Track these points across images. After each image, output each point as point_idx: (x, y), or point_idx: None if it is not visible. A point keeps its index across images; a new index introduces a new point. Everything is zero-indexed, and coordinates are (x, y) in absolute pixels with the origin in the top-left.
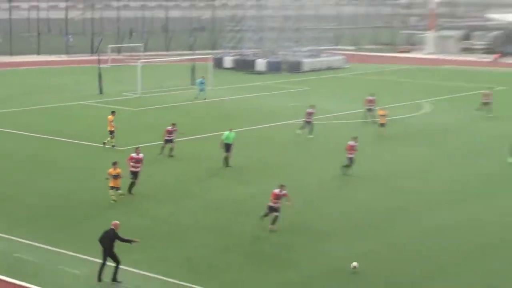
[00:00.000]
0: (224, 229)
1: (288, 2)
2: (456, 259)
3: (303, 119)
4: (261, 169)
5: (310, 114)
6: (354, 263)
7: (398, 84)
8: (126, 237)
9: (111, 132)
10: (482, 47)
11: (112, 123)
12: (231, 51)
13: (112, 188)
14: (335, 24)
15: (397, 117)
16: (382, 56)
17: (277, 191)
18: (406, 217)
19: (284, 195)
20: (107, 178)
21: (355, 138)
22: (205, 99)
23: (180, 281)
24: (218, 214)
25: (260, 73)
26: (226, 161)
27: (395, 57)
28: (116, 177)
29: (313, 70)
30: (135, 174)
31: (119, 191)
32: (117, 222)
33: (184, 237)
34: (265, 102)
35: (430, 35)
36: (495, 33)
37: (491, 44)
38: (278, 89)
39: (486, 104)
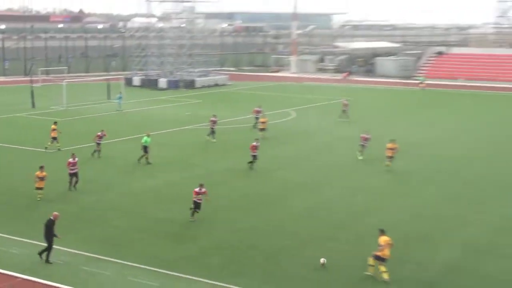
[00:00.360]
0: (139, 213)
1: (182, 33)
2: (317, 231)
3: (209, 127)
4: (171, 164)
5: (214, 122)
6: (322, 260)
7: (270, 97)
8: (55, 232)
9: (54, 138)
10: (333, 67)
11: (55, 131)
12: (139, 72)
13: (38, 188)
14: (219, 51)
15: (272, 122)
16: (258, 75)
17: (197, 189)
18: (279, 200)
19: (203, 192)
20: (35, 181)
21: (257, 140)
22: (122, 110)
23: (100, 255)
24: (135, 201)
25: (162, 89)
26: (146, 159)
27: (268, 76)
28: (42, 179)
29: (203, 87)
30: (74, 175)
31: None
32: (57, 213)
33: (105, 220)
34: (167, 112)
35: (293, 59)
36: (341, 57)
37: (339, 65)
38: (177, 102)
39: (344, 111)
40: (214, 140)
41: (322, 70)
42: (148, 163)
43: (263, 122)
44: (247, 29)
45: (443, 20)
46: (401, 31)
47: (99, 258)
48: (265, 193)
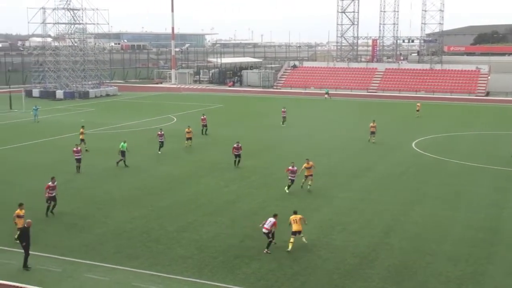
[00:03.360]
0: (41, 209)
1: (75, 51)
2: (198, 216)
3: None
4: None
5: (160, 135)
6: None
7: (154, 105)
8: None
9: (82, 140)
10: (207, 79)
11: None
12: (38, 85)
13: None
14: (109, 66)
15: (156, 126)
16: (143, 86)
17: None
18: (165, 191)
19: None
20: (15, 222)
21: (237, 142)
22: (37, 121)
23: (6, 247)
24: (38, 198)
25: (59, 99)
26: (124, 162)
27: (152, 86)
28: (21, 217)
29: (96, 97)
30: (52, 199)
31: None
32: (30, 220)
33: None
34: (66, 119)
35: (173, 72)
36: (213, 70)
37: (212, 77)
38: (74, 110)
39: (284, 118)
40: (159, 152)
41: (197, 81)
42: (126, 166)
43: (188, 132)
44: (132, 47)
45: (296, 39)
46: (262, 48)
47: (4, 250)
48: (153, 186)
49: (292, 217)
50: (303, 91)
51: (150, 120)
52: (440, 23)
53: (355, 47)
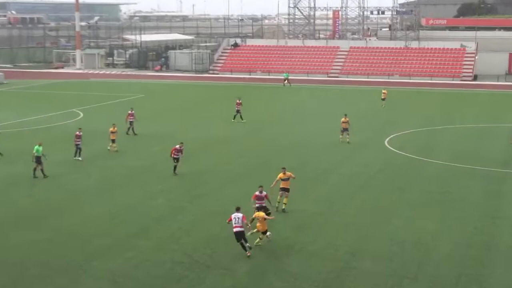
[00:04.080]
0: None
1: None
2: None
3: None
4: None
5: (78, 136)
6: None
7: (53, 96)
8: None
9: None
10: (123, 62)
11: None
12: None
13: None
14: None
15: (57, 124)
16: (38, 72)
17: None
18: (73, 206)
19: None
20: None
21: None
22: None
23: None
24: None
25: None
26: (42, 171)
27: (50, 72)
28: None
29: None
30: None
31: None
32: None
33: None
34: None
35: (78, 53)
36: (131, 50)
37: (129, 60)
38: None
39: (237, 111)
40: (80, 159)
41: (110, 65)
42: (45, 176)
43: (112, 132)
44: (23, 20)
45: (237, 11)
46: (194, 22)
47: None
48: (61, 199)
49: (261, 214)
50: (247, 76)
51: (48, 116)
52: None
53: (312, 21)
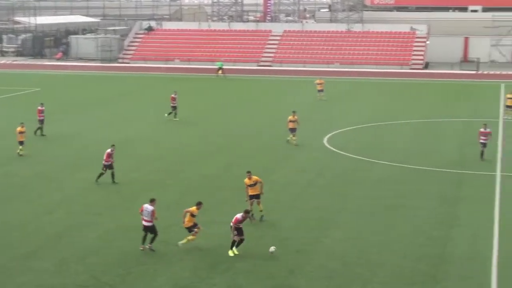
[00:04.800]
0: None
1: None
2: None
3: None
4: None
5: (22, 132)
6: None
7: None
8: None
9: None
10: (14, 50)
11: None
12: None
13: None
14: None
15: None
16: None
17: None
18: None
19: None
20: None
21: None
22: None
23: None
24: None
25: None
26: None
27: None
28: None
29: None
30: None
31: None
32: None
33: None
34: None
35: None
36: (24, 36)
37: (22, 46)
38: None
39: (173, 107)
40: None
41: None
42: None
43: (20, 133)
44: None
45: None
46: (100, 2)
47: None
48: None
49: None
50: (163, 65)
51: None
52: None
53: (239, 1)
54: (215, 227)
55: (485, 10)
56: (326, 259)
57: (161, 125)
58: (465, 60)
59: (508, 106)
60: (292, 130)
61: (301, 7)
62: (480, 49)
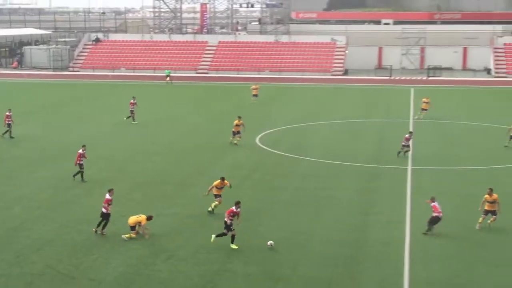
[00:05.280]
0: None
1: None
2: None
3: None
4: None
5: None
6: (270, 242)
7: None
8: None
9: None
10: None
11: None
12: None
13: None
14: None
15: None
16: None
17: None
18: None
19: None
20: None
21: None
22: None
23: None
24: None
25: None
26: None
27: None
28: None
29: None
30: None
31: None
32: None
33: None
34: None
35: None
36: None
37: None
38: None
39: (132, 111)
40: None
41: None
42: None
43: None
44: None
45: (99, 4)
46: (51, 16)
47: None
48: None
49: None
50: (110, 73)
51: None
52: None
53: (178, 15)
54: (159, 219)
55: (396, 23)
56: (261, 244)
57: (112, 127)
58: (380, 67)
59: (423, 109)
60: (237, 132)
61: (234, 21)
62: (392, 57)
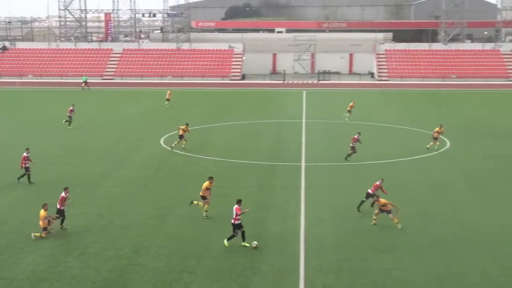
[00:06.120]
0: None
1: None
2: None
3: None
4: None
5: None
6: (255, 243)
7: None
8: None
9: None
10: None
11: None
12: None
13: None
14: None
15: None
16: None
17: None
18: None
19: None
20: None
21: None
22: None
23: None
24: None
25: None
26: None
27: None
28: None
29: None
30: None
31: None
32: None
33: None
34: None
35: None
36: None
37: None
38: None
39: (69, 117)
40: None
41: None
42: None
43: None
44: None
45: (5, 13)
46: None
47: None
48: None
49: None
50: (18, 80)
51: None
52: None
53: (84, 23)
54: (69, 219)
55: (288, 31)
56: (166, 241)
57: (19, 132)
58: (274, 72)
59: (348, 111)
60: (181, 136)
61: (138, 29)
62: (286, 63)
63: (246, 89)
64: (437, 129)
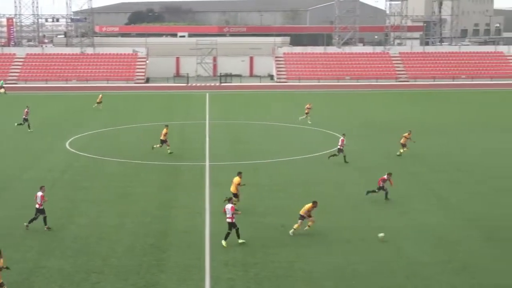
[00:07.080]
0: None
1: None
2: None
3: None
4: None
5: None
6: (381, 234)
7: None
8: None
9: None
10: None
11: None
12: None
13: None
14: None
15: None
16: None
17: None
18: None
19: None
20: None
21: None
22: None
23: None
24: None
25: None
26: None
27: None
28: None
29: None
30: None
31: None
32: None
33: None
34: None
35: None
36: None
37: None
38: None
39: (25, 119)
40: None
41: None
42: None
43: None
44: None
45: None
46: None
47: None
48: None
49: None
50: None
51: None
52: None
53: None
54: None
55: (190, 36)
56: (72, 242)
57: None
58: (177, 75)
59: (306, 113)
60: (165, 141)
61: (41, 34)
62: (189, 66)
63: (150, 92)
64: (405, 134)
